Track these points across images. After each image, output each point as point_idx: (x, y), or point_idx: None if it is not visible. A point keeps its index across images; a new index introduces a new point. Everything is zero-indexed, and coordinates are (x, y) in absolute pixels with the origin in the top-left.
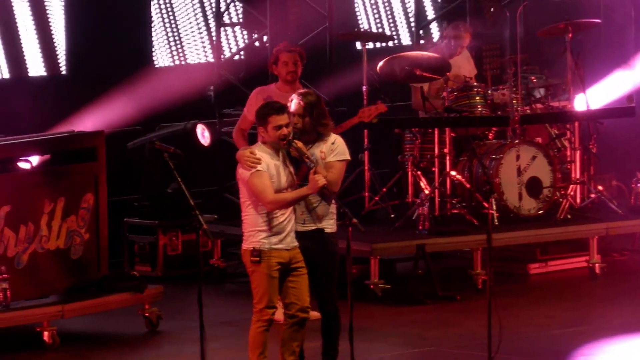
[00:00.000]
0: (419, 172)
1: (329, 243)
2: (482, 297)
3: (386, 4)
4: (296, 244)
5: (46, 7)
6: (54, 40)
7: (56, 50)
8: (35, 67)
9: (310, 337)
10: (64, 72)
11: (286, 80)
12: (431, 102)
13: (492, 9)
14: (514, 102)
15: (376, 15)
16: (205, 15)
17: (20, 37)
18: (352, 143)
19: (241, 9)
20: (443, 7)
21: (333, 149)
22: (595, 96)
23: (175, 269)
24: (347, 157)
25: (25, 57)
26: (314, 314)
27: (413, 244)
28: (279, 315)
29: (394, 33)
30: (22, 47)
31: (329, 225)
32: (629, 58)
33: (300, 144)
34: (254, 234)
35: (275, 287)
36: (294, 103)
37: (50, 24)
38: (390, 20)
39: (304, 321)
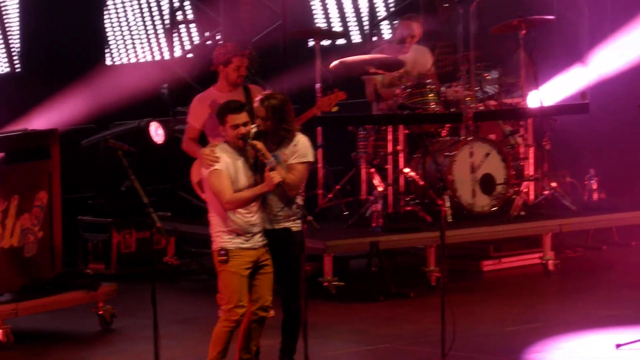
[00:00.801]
0: (372, 170)
1: (296, 242)
2: (435, 294)
3: (338, 2)
4: (264, 242)
5: (0, 5)
6: (9, 38)
7: (11, 48)
8: None
9: (265, 334)
10: (18, 70)
11: (235, 83)
12: (385, 91)
13: (445, 6)
14: (467, 99)
15: (330, 13)
16: (159, 13)
17: None
18: None
19: (194, 7)
20: (396, 4)
21: (295, 151)
22: (549, 93)
23: (129, 267)
24: (309, 158)
25: None
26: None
27: (367, 241)
28: None
29: (347, 30)
30: None
31: (296, 224)
32: (582, 55)
33: (258, 144)
34: (221, 234)
35: (244, 287)
36: (257, 105)
37: (5, 22)
38: (343, 18)
39: (264, 319)
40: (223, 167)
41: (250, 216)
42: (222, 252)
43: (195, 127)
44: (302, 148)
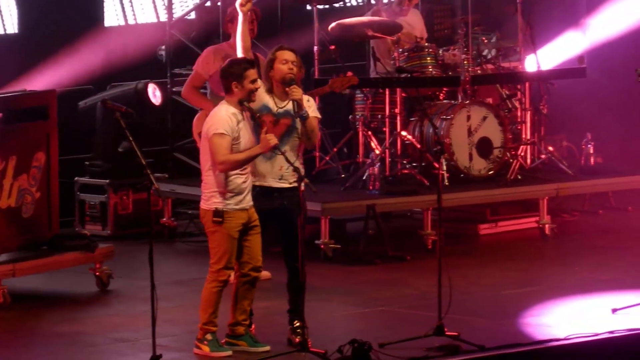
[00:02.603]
0: (369, 132)
1: (303, 201)
2: (432, 258)
3: None
4: (252, 203)
5: None
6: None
7: (8, 9)
8: None
9: (261, 297)
10: (15, 32)
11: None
12: (382, 61)
13: None
14: (465, 62)
15: None
16: None
17: None
18: None
19: None
20: None
21: (309, 106)
22: (546, 57)
23: (126, 228)
24: (319, 115)
25: None
26: (265, 274)
27: (363, 204)
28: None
29: None
30: None
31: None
32: (580, 19)
33: (297, 93)
34: (215, 194)
35: (234, 248)
36: (287, 53)
37: None
38: None
39: (256, 280)
40: (228, 131)
41: (243, 178)
42: (218, 213)
43: (203, 76)
44: (313, 104)
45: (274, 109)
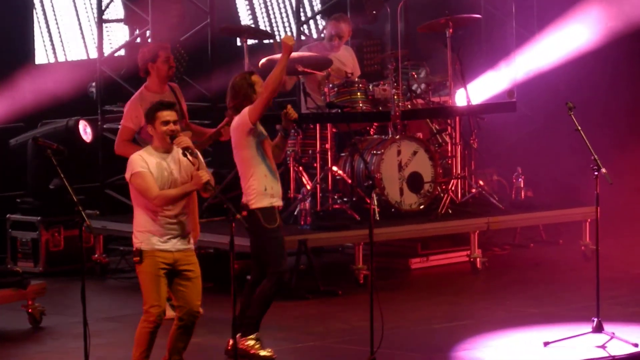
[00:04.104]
0: (300, 168)
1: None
2: (363, 292)
3: (264, 1)
4: (187, 247)
5: None
6: None
7: None
8: None
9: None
10: None
11: (167, 75)
12: (312, 96)
13: (372, 4)
14: (395, 97)
15: (258, 12)
16: (87, 11)
17: None
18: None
19: (123, 5)
20: (322, 3)
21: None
22: (476, 91)
23: (58, 265)
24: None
25: None
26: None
27: (295, 239)
28: (170, 312)
29: (274, 29)
30: None
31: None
32: (509, 53)
33: (183, 138)
34: (138, 234)
35: (159, 287)
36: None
37: None
38: (269, 18)
39: (192, 325)
40: (145, 169)
41: (170, 219)
42: (136, 252)
43: (131, 129)
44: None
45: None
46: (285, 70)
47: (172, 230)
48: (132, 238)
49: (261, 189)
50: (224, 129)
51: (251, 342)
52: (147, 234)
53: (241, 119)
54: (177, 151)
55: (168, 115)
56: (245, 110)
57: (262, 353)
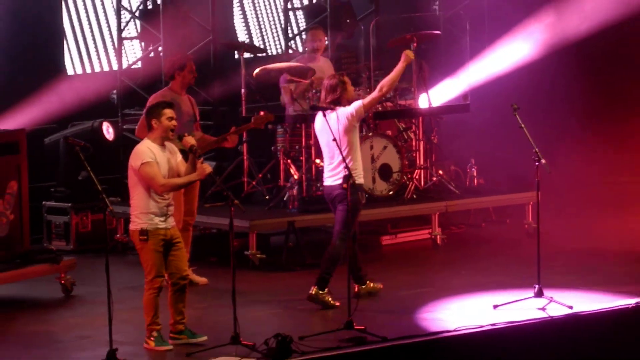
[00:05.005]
0: (289, 161)
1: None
2: (341, 265)
3: (260, 20)
4: (174, 224)
5: None
6: None
7: None
8: None
9: (199, 300)
10: None
11: (189, 83)
12: (299, 101)
13: (348, 22)
14: None
15: (253, 30)
16: (109, 30)
17: None
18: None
19: (139, 25)
20: (307, 22)
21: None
22: (436, 95)
23: (86, 244)
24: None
25: None
26: (202, 280)
27: (285, 220)
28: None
29: (266, 44)
30: None
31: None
32: (464, 63)
33: (190, 138)
34: (141, 215)
35: (161, 260)
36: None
37: None
38: (263, 34)
39: (185, 287)
40: (152, 159)
41: (166, 202)
42: (143, 232)
43: None
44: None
45: None
46: (400, 75)
47: (168, 211)
48: (130, 218)
49: (361, 169)
50: (231, 137)
51: (324, 293)
52: (149, 214)
53: (356, 110)
54: (170, 144)
55: (171, 113)
56: (360, 102)
57: (330, 301)
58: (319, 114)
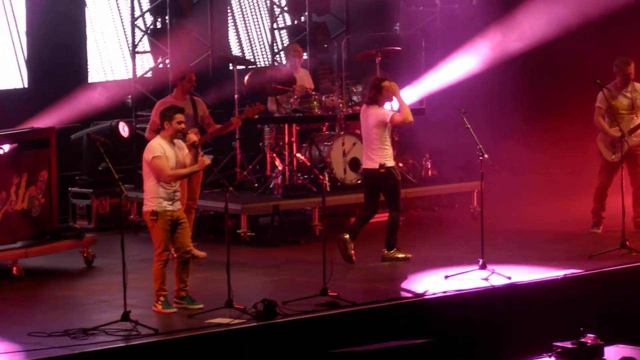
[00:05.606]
0: (274, 155)
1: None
2: (318, 241)
3: (251, 38)
4: (180, 207)
5: (14, 44)
6: (19, 64)
7: (21, 70)
8: (5, 81)
9: (199, 270)
10: (25, 86)
11: (189, 91)
12: (283, 105)
13: (324, 39)
14: (340, 105)
15: (245, 45)
16: (126, 44)
17: None
18: (228, 135)
19: (149, 41)
20: (290, 39)
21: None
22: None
23: (105, 223)
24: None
25: None
26: (201, 254)
27: (271, 204)
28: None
29: (256, 58)
30: None
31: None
32: (420, 74)
33: (193, 136)
34: (152, 199)
35: (168, 237)
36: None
37: (18, 54)
38: (253, 48)
39: (188, 260)
40: (162, 153)
41: (173, 189)
42: (154, 213)
43: (157, 122)
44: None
45: None
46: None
47: (175, 196)
48: (144, 201)
49: (392, 153)
50: (234, 120)
51: (393, 251)
52: (159, 199)
53: (391, 118)
54: (179, 141)
55: (181, 117)
56: (394, 114)
57: (401, 255)
58: (363, 106)
